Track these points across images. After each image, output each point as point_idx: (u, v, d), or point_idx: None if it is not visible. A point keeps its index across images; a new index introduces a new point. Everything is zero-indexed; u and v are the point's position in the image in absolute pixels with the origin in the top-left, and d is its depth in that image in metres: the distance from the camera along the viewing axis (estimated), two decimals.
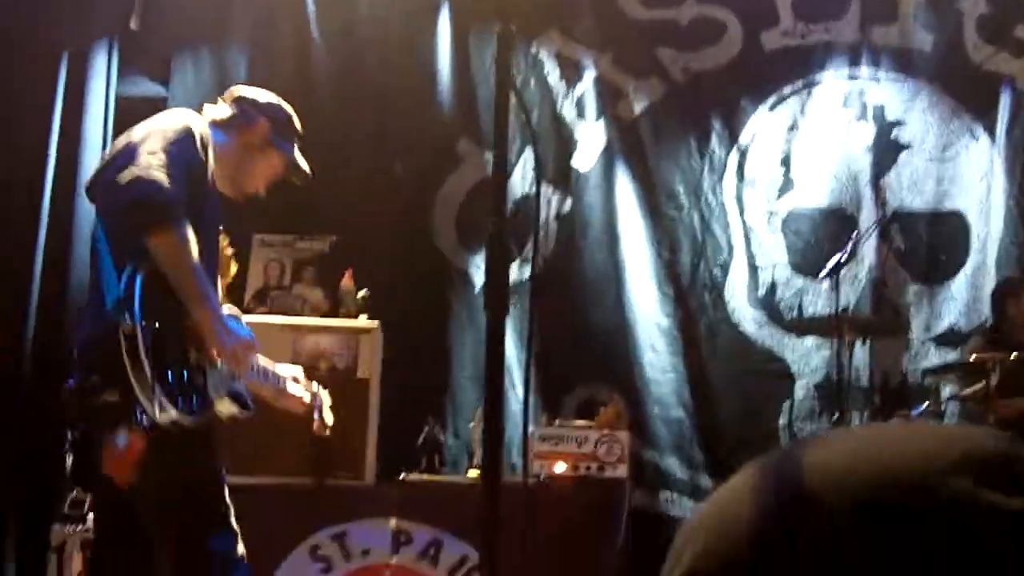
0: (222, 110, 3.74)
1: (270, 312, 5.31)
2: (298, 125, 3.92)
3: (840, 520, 0.71)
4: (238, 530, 3.53)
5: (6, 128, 5.83)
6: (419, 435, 5.32)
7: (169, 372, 3.25)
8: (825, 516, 0.71)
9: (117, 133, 3.82)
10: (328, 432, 3.97)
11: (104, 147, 5.67)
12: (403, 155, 6.55)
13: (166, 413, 3.20)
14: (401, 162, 6.55)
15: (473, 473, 5.14)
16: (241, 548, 3.53)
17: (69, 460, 3.59)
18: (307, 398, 3.88)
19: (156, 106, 4.91)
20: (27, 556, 5.47)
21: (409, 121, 6.56)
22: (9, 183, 5.77)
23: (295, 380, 3.89)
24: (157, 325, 3.22)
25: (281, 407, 3.89)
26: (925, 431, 0.80)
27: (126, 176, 3.22)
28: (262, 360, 3.74)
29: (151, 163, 3.22)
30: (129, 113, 4.77)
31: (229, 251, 4.45)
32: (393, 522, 4.88)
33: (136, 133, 3.41)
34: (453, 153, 6.61)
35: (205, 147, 3.48)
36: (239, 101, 3.77)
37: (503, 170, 2.77)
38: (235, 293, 5.08)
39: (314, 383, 4.00)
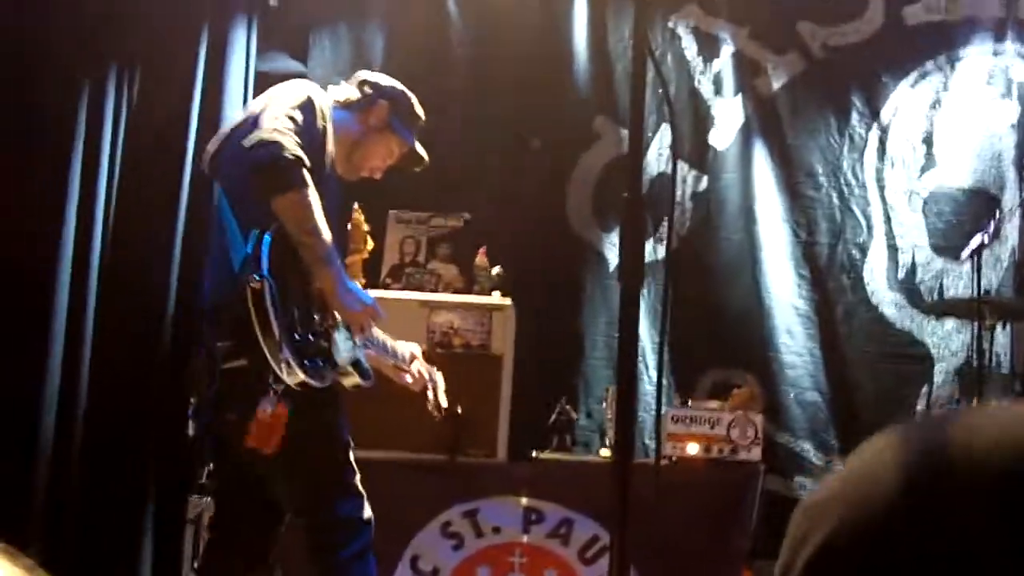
0: (346, 90, 3.76)
1: (404, 288, 5.33)
2: (420, 112, 3.91)
3: (987, 499, 0.70)
4: (364, 493, 3.55)
5: (148, 106, 5.95)
6: (551, 414, 5.29)
7: (296, 333, 3.25)
8: (972, 493, 0.71)
9: None
10: (440, 415, 3.96)
11: None
12: (539, 133, 6.49)
13: (294, 374, 3.23)
14: (538, 139, 6.50)
15: (605, 453, 5.10)
16: (368, 511, 3.55)
17: (192, 429, 3.63)
18: (424, 377, 3.89)
19: None
20: (164, 529, 5.57)
21: (546, 98, 6.50)
22: (151, 159, 5.89)
23: (413, 357, 3.90)
24: (284, 283, 3.23)
25: (399, 383, 3.91)
26: None
27: (251, 140, 3.25)
28: (382, 335, 3.75)
29: (275, 126, 3.24)
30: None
31: (366, 227, 4.47)
32: (524, 500, 4.87)
33: (256, 105, 3.45)
34: (589, 130, 6.53)
35: (324, 120, 3.50)
36: (363, 84, 3.78)
37: (639, 144, 2.68)
38: (371, 269, 5.12)
39: (432, 366, 3.99)
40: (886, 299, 6.33)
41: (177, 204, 5.83)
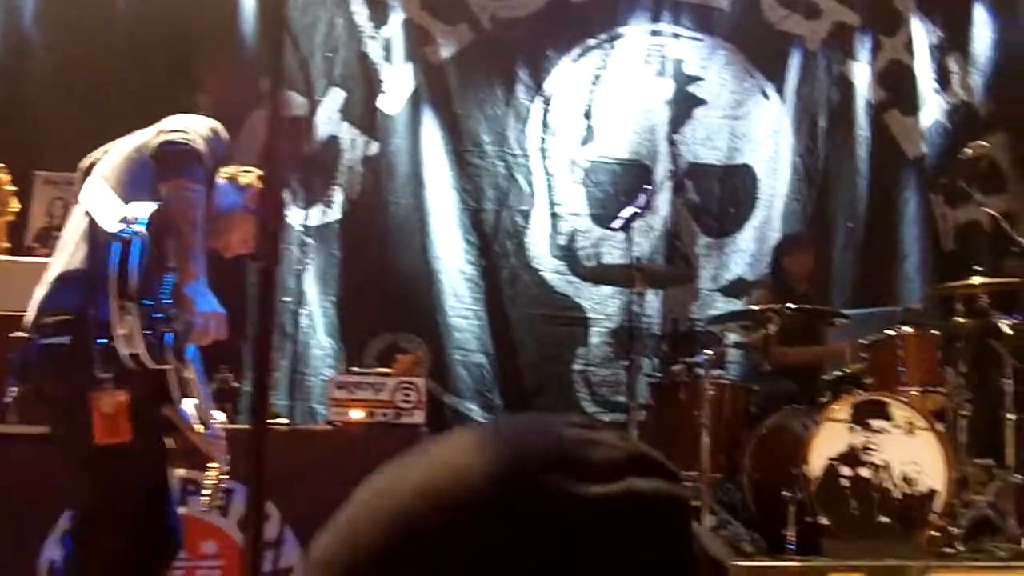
0: None
1: (52, 254, 4.87)
2: None
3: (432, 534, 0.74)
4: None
5: None
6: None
7: (149, 301, 3.06)
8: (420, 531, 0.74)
9: None
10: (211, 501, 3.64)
11: None
12: (205, 91, 6.13)
13: (132, 343, 3.00)
14: (204, 98, 6.14)
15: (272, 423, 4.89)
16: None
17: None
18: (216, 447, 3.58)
19: None
20: None
21: (211, 56, 6.14)
22: None
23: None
24: (153, 253, 3.09)
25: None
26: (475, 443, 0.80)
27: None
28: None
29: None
30: None
31: (10, 188, 4.05)
32: (180, 472, 4.59)
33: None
34: (256, 91, 6.23)
35: None
36: None
37: (278, 109, 2.49)
38: (16, 232, 4.66)
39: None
40: (548, 264, 6.47)
41: None
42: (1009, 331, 5.11)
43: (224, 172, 3.60)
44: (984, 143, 5.81)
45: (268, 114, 2.42)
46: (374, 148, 6.35)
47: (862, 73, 6.75)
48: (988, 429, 5.21)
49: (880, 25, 6.80)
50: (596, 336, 6.47)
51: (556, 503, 0.72)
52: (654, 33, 6.74)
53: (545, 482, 0.73)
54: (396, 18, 6.42)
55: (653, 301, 6.36)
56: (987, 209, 5.68)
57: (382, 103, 6.38)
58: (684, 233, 6.55)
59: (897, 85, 6.75)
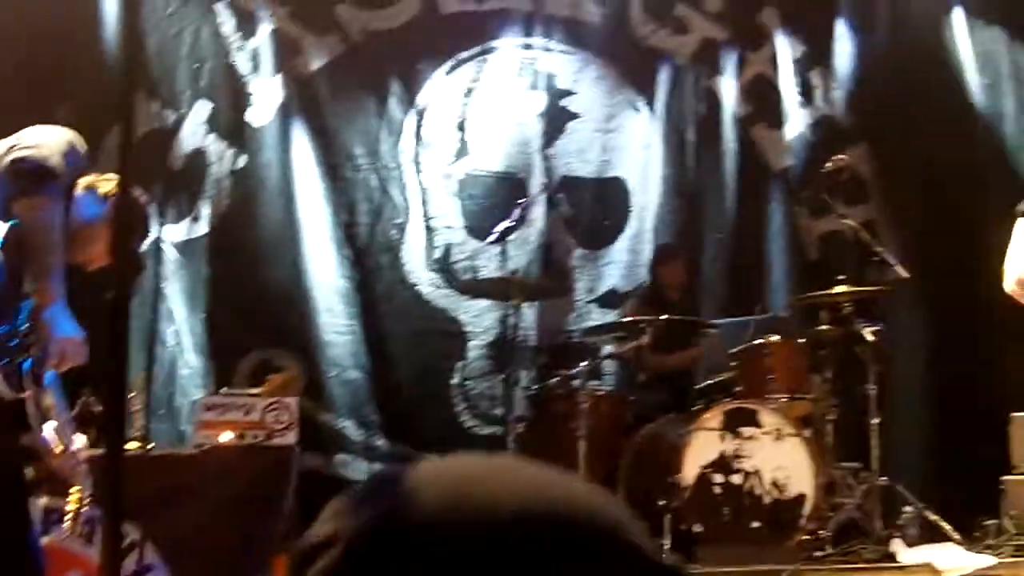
0: None
1: None
2: None
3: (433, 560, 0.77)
4: None
5: None
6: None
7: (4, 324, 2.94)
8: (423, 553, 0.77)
9: None
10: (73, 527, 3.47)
11: None
12: (66, 101, 5.89)
13: None
14: (64, 109, 5.90)
15: (132, 445, 4.72)
16: None
17: None
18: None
19: None
20: None
21: (73, 65, 5.92)
22: None
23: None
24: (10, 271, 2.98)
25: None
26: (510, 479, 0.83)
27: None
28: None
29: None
30: None
31: None
32: (43, 500, 4.39)
33: None
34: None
35: None
36: None
37: (128, 121, 2.37)
38: None
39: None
40: (423, 278, 6.43)
41: None
42: (871, 338, 5.26)
43: (83, 182, 3.46)
44: (844, 156, 5.99)
45: (121, 127, 2.32)
46: (242, 161, 6.21)
47: (728, 88, 6.88)
48: (854, 433, 5.35)
49: (746, 41, 6.94)
50: (474, 350, 6.44)
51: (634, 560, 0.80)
52: (526, 47, 6.76)
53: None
54: (264, 28, 6.30)
55: (529, 314, 6.36)
56: (847, 221, 5.83)
57: (250, 115, 6.25)
58: (559, 245, 6.58)
59: (762, 99, 6.89)
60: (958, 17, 6.78)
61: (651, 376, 5.74)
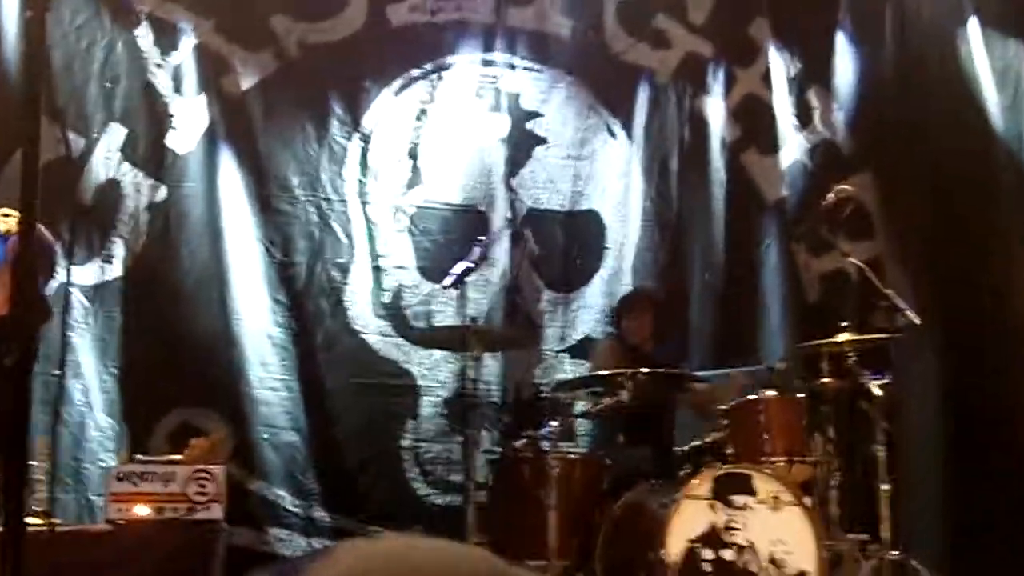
0: None
1: None
2: None
3: None
4: None
5: None
6: None
7: None
8: None
9: None
10: None
11: None
12: None
13: None
14: None
15: (34, 520, 4.67)
16: None
17: None
18: None
19: None
20: None
21: None
22: None
23: None
24: None
25: None
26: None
27: None
28: None
29: None
30: None
31: None
32: None
33: None
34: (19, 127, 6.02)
35: None
36: None
37: (33, 148, 2.36)
38: None
39: None
40: (370, 325, 6.44)
41: None
42: (879, 392, 5.30)
43: None
44: (847, 186, 6.05)
45: (23, 154, 2.32)
46: (162, 193, 6.21)
47: (716, 109, 6.96)
48: (861, 500, 5.38)
49: (734, 56, 7.03)
50: (427, 406, 6.44)
51: None
52: (486, 63, 6.82)
53: None
54: (187, 43, 6.33)
55: (492, 366, 6.38)
56: (852, 259, 5.89)
57: (171, 141, 6.26)
58: (525, 288, 6.60)
59: (754, 122, 6.98)
60: (973, 28, 6.89)
61: (629, 436, 5.74)
